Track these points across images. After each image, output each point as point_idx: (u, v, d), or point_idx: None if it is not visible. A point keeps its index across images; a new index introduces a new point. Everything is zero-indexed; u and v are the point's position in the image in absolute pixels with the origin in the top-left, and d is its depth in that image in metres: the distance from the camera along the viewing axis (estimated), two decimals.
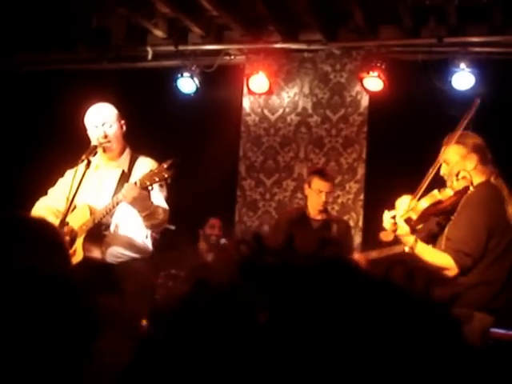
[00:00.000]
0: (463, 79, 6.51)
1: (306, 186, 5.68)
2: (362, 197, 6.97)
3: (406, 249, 3.76)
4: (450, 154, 3.90)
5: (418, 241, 3.74)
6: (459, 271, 3.66)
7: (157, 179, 3.94)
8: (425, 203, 3.86)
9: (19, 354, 1.18)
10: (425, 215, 3.87)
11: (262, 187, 7.32)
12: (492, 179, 3.86)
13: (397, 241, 3.89)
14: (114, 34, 7.38)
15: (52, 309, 1.24)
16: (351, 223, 6.77)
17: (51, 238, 1.99)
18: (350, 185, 7.01)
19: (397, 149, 6.60)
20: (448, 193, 3.89)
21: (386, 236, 3.84)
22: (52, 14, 7.01)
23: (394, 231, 3.77)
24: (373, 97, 6.98)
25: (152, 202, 4.14)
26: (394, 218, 3.78)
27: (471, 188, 3.83)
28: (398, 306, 0.66)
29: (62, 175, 4.55)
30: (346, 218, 6.87)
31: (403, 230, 3.74)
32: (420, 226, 3.96)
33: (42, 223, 2.07)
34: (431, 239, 3.89)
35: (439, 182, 3.98)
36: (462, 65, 6.48)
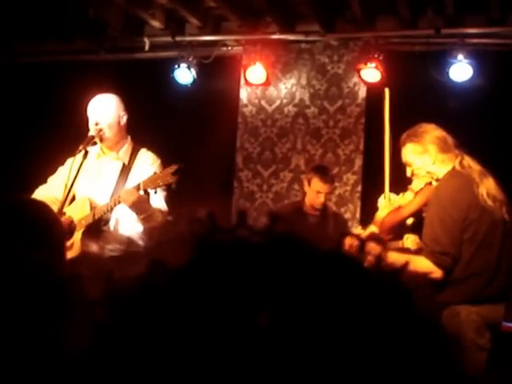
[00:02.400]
0: (461, 70, 6.50)
1: (306, 183, 5.65)
2: (359, 188, 6.97)
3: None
4: (407, 155, 3.81)
5: (388, 251, 3.64)
6: (443, 272, 3.54)
7: (161, 183, 3.92)
8: (382, 213, 3.80)
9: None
10: (388, 225, 3.78)
11: (259, 178, 7.32)
12: (457, 165, 3.70)
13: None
14: (111, 25, 7.35)
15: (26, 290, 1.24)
16: (348, 215, 6.78)
17: (47, 224, 1.98)
18: (347, 176, 7.01)
19: (394, 140, 6.60)
20: (408, 196, 3.81)
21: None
22: (49, 4, 6.99)
23: (359, 252, 3.70)
24: (370, 88, 6.96)
25: (151, 205, 4.14)
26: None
27: (434, 183, 3.73)
28: (348, 279, 0.66)
29: (62, 164, 4.54)
30: (343, 209, 6.88)
31: (367, 247, 3.66)
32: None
33: (41, 211, 2.06)
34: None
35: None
36: (460, 56, 6.47)
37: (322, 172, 5.66)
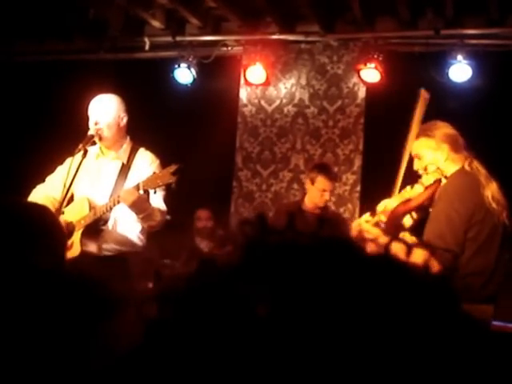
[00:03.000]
0: (460, 71, 6.52)
1: (309, 182, 5.63)
2: (358, 188, 6.99)
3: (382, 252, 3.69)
4: (419, 149, 3.83)
5: (393, 241, 3.67)
6: (442, 268, 3.49)
7: (160, 183, 3.93)
8: (392, 203, 3.81)
9: (21, 345, 1.19)
10: (396, 215, 3.80)
11: (258, 178, 7.33)
12: (466, 165, 3.74)
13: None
14: (112, 25, 7.36)
15: (48, 295, 1.25)
16: (347, 214, 6.79)
17: (49, 226, 1.99)
18: (346, 176, 7.02)
19: (393, 140, 6.61)
20: (418, 189, 3.82)
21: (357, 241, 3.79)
22: (49, 4, 7.00)
23: (361, 237, 3.71)
24: (370, 88, 6.98)
25: (150, 205, 4.15)
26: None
27: (443, 180, 3.76)
28: (398, 284, 0.67)
29: (61, 164, 4.55)
30: (342, 209, 6.89)
31: (371, 233, 3.68)
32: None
33: (40, 211, 2.07)
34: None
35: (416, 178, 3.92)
36: (459, 57, 6.48)
37: (327, 170, 5.66)
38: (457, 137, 3.82)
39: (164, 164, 4.26)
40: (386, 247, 3.62)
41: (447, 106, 6.17)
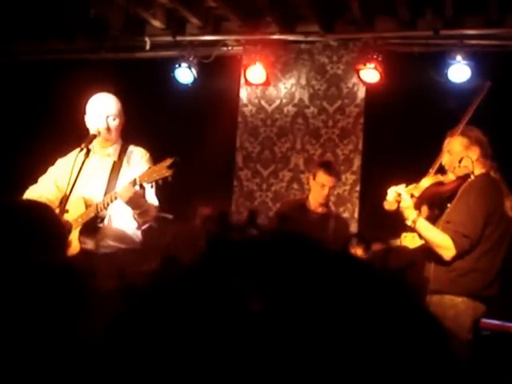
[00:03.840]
0: (459, 71, 6.53)
1: (311, 178, 5.68)
2: (357, 188, 7.00)
3: (409, 223, 3.84)
4: (453, 145, 4.03)
5: (420, 216, 3.83)
6: (457, 252, 3.75)
7: (157, 177, 3.93)
8: (427, 182, 3.97)
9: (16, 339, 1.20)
10: (426, 195, 3.97)
11: (258, 178, 7.34)
12: (492, 173, 3.98)
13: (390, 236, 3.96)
14: (112, 24, 7.37)
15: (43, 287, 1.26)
16: (347, 214, 6.81)
17: (50, 223, 2.01)
18: (346, 176, 7.03)
19: (393, 140, 6.63)
20: (450, 177, 4.01)
21: (389, 205, 3.92)
22: (50, 3, 7.01)
23: (398, 202, 3.85)
24: (369, 88, 7.00)
25: (146, 201, 4.18)
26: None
27: (472, 177, 3.95)
28: (353, 278, 0.68)
29: (53, 164, 4.57)
30: (341, 209, 6.90)
31: (406, 202, 3.84)
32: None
33: (41, 208, 2.09)
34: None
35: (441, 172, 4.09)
36: (459, 57, 6.50)
37: (327, 166, 5.72)
38: (487, 144, 4.06)
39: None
40: (414, 221, 3.79)
41: (446, 107, 6.19)
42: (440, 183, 4.01)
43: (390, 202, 3.91)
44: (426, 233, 3.84)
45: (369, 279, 0.69)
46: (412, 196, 3.90)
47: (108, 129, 4.32)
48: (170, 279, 0.69)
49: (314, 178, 5.60)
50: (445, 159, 4.06)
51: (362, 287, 0.67)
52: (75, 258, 4.14)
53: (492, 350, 4.62)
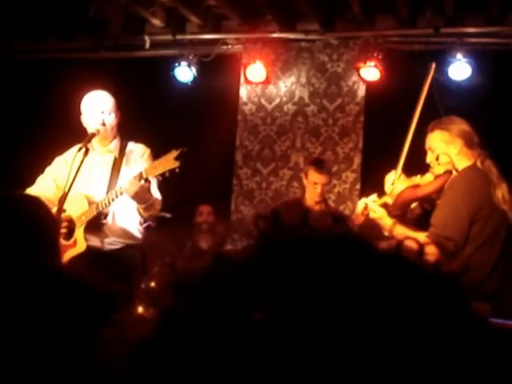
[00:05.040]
0: (460, 70, 6.53)
1: (304, 177, 5.69)
2: (358, 186, 7.00)
3: (385, 232, 3.73)
4: (433, 141, 3.87)
5: (396, 224, 3.71)
6: (442, 256, 3.58)
7: (164, 169, 3.85)
8: (400, 187, 3.85)
9: (21, 347, 1.19)
10: (401, 200, 3.84)
11: (258, 176, 7.34)
12: (478, 163, 3.77)
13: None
14: (112, 23, 7.37)
15: (50, 297, 1.25)
16: (347, 212, 6.80)
17: (43, 222, 1.99)
18: (346, 174, 7.03)
19: (393, 138, 6.61)
20: (428, 178, 3.86)
21: (355, 219, 3.84)
22: (49, 2, 7.01)
23: (365, 215, 3.76)
24: (369, 87, 6.99)
25: (152, 195, 4.17)
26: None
27: (454, 172, 3.79)
28: (409, 281, 0.68)
29: (49, 164, 4.57)
30: (342, 207, 6.90)
31: (376, 213, 3.73)
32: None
33: (36, 206, 2.06)
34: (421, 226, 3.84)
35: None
36: (459, 55, 6.49)
37: (318, 163, 5.71)
38: (471, 133, 3.85)
39: None
40: (390, 230, 3.66)
41: (447, 105, 6.18)
42: (415, 186, 3.85)
43: (357, 215, 3.82)
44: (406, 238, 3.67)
45: (424, 284, 0.68)
46: (386, 204, 3.81)
47: (104, 124, 4.31)
48: (223, 276, 0.68)
49: (307, 177, 5.61)
50: (428, 157, 3.89)
51: (415, 291, 0.67)
52: (82, 256, 4.15)
53: (501, 349, 4.56)
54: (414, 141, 4.03)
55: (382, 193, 3.95)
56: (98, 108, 4.34)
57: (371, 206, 3.76)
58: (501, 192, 3.72)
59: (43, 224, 1.97)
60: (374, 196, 3.90)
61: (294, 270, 0.67)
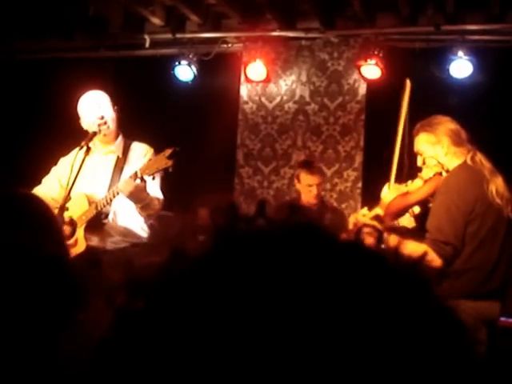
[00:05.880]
0: (461, 67, 6.51)
1: (296, 181, 5.69)
2: (359, 185, 6.99)
3: (381, 245, 3.70)
4: (420, 144, 3.82)
5: (390, 235, 3.68)
6: (443, 262, 3.54)
7: (158, 168, 3.94)
8: (389, 197, 3.82)
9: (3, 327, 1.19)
10: (394, 209, 3.80)
11: (259, 175, 7.33)
12: (468, 159, 3.71)
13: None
14: (112, 22, 7.36)
15: (32, 277, 1.25)
16: (349, 211, 6.78)
17: (44, 215, 2.00)
18: (347, 173, 7.02)
19: (394, 136, 6.60)
20: (417, 183, 3.82)
21: (347, 236, 3.78)
22: (49, 1, 7.00)
23: (357, 231, 3.73)
24: (370, 85, 6.98)
25: (148, 194, 4.18)
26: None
27: (444, 174, 3.74)
28: (368, 271, 0.66)
29: (55, 164, 4.57)
30: (344, 205, 6.89)
31: (367, 225, 3.70)
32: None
33: (37, 202, 2.08)
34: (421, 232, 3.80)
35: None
36: (460, 53, 6.48)
37: (307, 165, 5.73)
38: (459, 130, 3.79)
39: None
40: (380, 238, 3.64)
41: (448, 102, 6.17)
42: (405, 194, 3.80)
43: (349, 232, 3.79)
44: (403, 250, 3.57)
45: (384, 273, 0.67)
46: (378, 216, 3.78)
47: (102, 117, 4.30)
48: (177, 272, 0.67)
49: (299, 181, 5.60)
50: (418, 161, 3.84)
51: (377, 281, 0.65)
52: (81, 256, 4.15)
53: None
54: (409, 146, 4.01)
55: (377, 200, 3.92)
56: (94, 108, 4.34)
57: (361, 221, 3.74)
58: (495, 186, 3.65)
59: (50, 218, 2.01)
60: (364, 210, 3.88)
61: (252, 261, 0.65)
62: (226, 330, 0.60)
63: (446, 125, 3.80)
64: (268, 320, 0.61)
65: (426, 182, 3.79)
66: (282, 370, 0.59)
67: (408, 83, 4.08)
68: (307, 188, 5.56)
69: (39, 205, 2.05)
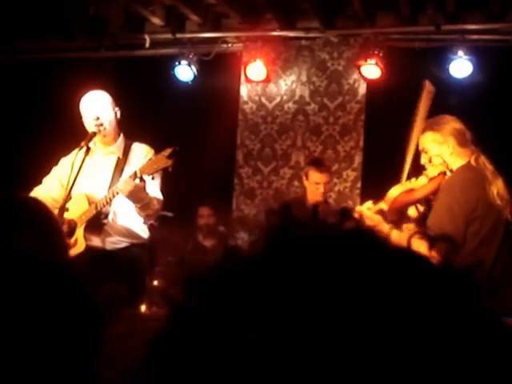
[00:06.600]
0: (461, 67, 6.51)
1: (304, 178, 5.70)
2: (359, 185, 6.99)
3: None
4: (425, 142, 3.82)
5: (393, 229, 3.69)
6: (441, 259, 3.58)
7: (157, 168, 3.96)
8: (394, 192, 3.83)
9: (22, 349, 1.17)
10: (398, 205, 3.81)
11: (259, 175, 7.33)
12: (472, 160, 3.73)
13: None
14: (112, 22, 7.37)
15: (55, 297, 1.23)
16: None
17: (47, 221, 2.01)
18: (347, 173, 7.02)
19: (394, 137, 6.61)
20: (422, 181, 3.84)
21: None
22: (49, 2, 7.00)
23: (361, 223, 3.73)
24: (370, 84, 6.97)
25: (147, 194, 4.18)
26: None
27: (448, 173, 3.76)
28: (421, 278, 0.67)
29: (57, 164, 4.57)
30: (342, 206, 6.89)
31: (372, 220, 3.72)
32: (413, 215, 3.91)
33: (39, 206, 2.09)
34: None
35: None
36: (460, 52, 6.48)
37: (317, 163, 5.74)
38: (464, 131, 3.80)
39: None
40: (387, 236, 3.65)
41: (448, 102, 6.17)
42: (410, 190, 3.81)
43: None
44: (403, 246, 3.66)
45: (436, 279, 0.67)
46: (382, 211, 3.79)
47: (101, 124, 4.31)
48: (233, 271, 0.68)
49: (307, 178, 5.61)
50: (422, 159, 3.83)
51: (429, 286, 0.65)
52: (81, 256, 4.16)
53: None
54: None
55: (380, 197, 3.94)
56: (92, 109, 4.34)
57: (366, 214, 3.75)
58: (496, 188, 3.68)
59: (52, 223, 2.01)
60: (369, 203, 3.89)
61: (307, 264, 0.66)
62: (279, 329, 0.61)
63: (453, 125, 3.81)
64: (322, 322, 0.61)
65: (430, 179, 3.80)
66: (342, 369, 0.60)
67: (428, 84, 4.08)
68: (315, 186, 5.57)
69: (40, 209, 2.06)
